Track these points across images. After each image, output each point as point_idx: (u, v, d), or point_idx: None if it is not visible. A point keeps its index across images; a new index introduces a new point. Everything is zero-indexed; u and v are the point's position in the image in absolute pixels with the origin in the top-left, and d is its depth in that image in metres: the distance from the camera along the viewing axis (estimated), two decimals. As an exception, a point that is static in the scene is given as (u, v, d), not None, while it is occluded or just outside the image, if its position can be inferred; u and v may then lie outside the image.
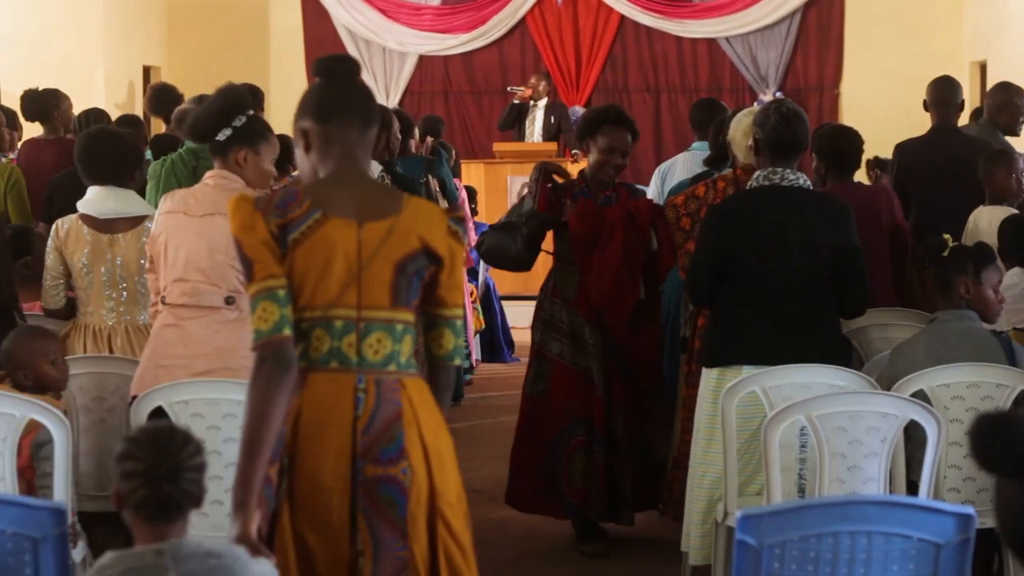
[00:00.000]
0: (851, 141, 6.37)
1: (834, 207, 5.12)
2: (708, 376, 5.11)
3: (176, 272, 4.76)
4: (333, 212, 3.24)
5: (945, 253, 5.02)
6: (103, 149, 5.51)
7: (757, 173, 5.12)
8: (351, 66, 3.41)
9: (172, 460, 2.78)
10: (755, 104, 12.79)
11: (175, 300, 4.76)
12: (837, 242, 5.00)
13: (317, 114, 3.34)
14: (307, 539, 3.16)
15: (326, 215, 3.22)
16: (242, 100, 4.80)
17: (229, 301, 4.70)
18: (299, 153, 3.40)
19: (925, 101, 7.28)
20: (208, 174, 4.85)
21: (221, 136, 4.74)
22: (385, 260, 3.24)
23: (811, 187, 5.12)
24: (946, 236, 5.14)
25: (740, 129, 5.76)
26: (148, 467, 2.76)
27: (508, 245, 6.10)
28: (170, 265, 4.78)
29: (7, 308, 5.27)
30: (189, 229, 4.75)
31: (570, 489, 5.99)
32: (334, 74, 3.39)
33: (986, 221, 6.25)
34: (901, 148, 7.20)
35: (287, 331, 3.15)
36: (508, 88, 14.46)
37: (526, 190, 6.17)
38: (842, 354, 5.02)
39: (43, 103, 8.45)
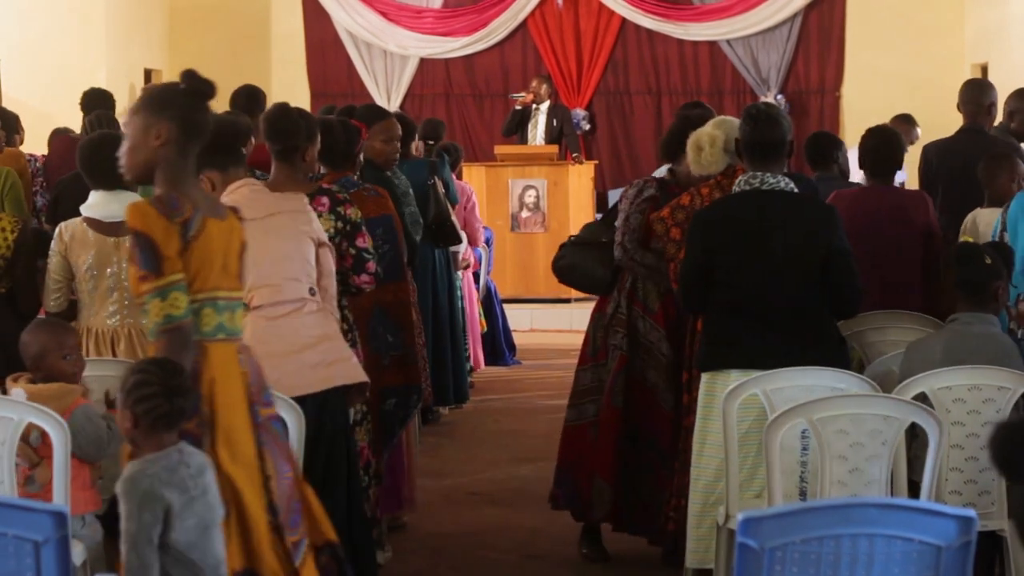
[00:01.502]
0: (889, 143, 6.35)
1: (817, 209, 5.10)
2: (702, 381, 5.12)
3: (257, 275, 4.79)
4: (206, 213, 3.88)
5: (988, 260, 5.00)
6: (107, 154, 5.51)
7: (740, 178, 5.11)
8: (214, 92, 3.97)
9: (180, 380, 3.63)
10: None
11: (265, 301, 4.90)
12: (820, 244, 4.97)
13: (185, 130, 3.91)
14: (231, 471, 3.82)
15: (204, 217, 3.86)
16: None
17: (312, 292, 4.97)
18: (143, 141, 3.88)
19: (958, 103, 7.35)
20: (242, 183, 5.09)
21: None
22: (233, 252, 3.96)
23: (794, 190, 5.09)
24: (969, 239, 5.15)
25: (688, 145, 5.75)
26: (165, 387, 3.59)
27: (594, 269, 5.90)
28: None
29: (29, 318, 5.29)
30: (256, 231, 4.77)
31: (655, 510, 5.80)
32: (205, 96, 3.94)
33: (984, 223, 6.25)
34: (927, 149, 7.26)
35: (190, 316, 3.82)
36: (509, 96, 14.45)
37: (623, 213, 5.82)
38: (835, 356, 4.98)
39: (101, 101, 8.99)
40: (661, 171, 6.32)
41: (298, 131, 5.40)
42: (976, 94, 7.31)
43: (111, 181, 5.45)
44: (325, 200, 5.41)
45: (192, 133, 3.92)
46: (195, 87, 3.93)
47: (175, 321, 3.78)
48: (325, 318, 5.02)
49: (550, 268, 6.28)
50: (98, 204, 5.46)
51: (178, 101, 3.92)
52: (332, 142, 6.02)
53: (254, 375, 3.98)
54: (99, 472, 4.72)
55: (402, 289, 6.21)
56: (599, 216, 6.19)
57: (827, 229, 5.00)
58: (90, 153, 5.58)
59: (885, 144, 6.33)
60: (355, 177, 6.09)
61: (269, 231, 4.89)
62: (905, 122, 10.25)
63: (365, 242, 5.44)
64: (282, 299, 4.92)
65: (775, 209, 5.00)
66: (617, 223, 5.87)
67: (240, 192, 5.03)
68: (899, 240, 6.04)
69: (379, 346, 6.03)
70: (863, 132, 6.59)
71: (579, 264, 5.99)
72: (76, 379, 4.73)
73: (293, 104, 5.63)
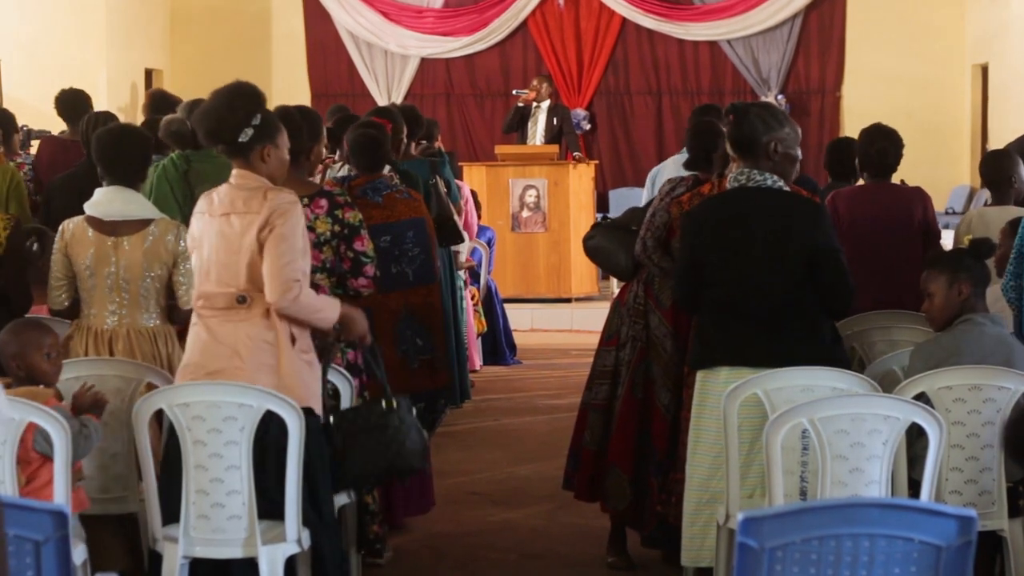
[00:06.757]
0: (885, 143, 6.35)
1: (802, 206, 5.06)
2: (696, 380, 5.11)
3: (199, 276, 4.71)
4: None
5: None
6: (126, 147, 5.49)
7: (730, 175, 5.11)
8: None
9: None
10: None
11: (196, 305, 4.71)
12: (806, 240, 4.95)
13: None
14: None
15: None
16: (256, 97, 4.73)
17: (240, 300, 4.61)
18: None
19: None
20: (233, 173, 4.73)
21: (243, 137, 4.65)
22: None
23: (782, 187, 5.07)
24: (969, 236, 5.17)
25: None
26: None
27: (618, 257, 5.82)
28: (197, 268, 4.74)
29: (20, 315, 5.28)
30: (211, 229, 4.70)
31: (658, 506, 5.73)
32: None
33: (981, 222, 6.31)
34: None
35: None
36: (514, 92, 14.45)
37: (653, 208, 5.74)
38: (829, 354, 4.95)
39: (80, 101, 8.59)
40: None
41: (301, 133, 5.37)
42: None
43: (125, 176, 5.43)
44: (323, 202, 5.36)
45: None
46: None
47: None
48: (252, 328, 4.60)
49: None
50: (100, 203, 5.42)
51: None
52: (371, 149, 6.04)
53: None
54: (79, 475, 4.70)
55: (432, 292, 6.19)
56: (600, 215, 6.13)
57: (811, 226, 4.97)
58: (113, 144, 5.49)
59: (892, 144, 6.35)
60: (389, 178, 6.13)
61: (219, 231, 4.65)
62: None
63: (364, 246, 5.36)
64: (209, 305, 4.67)
65: (760, 206, 4.99)
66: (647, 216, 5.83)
67: (226, 183, 4.74)
68: (897, 237, 6.03)
69: (408, 349, 6.00)
70: (863, 132, 6.61)
71: (605, 248, 5.92)
72: (54, 379, 4.74)
73: (293, 104, 5.63)
